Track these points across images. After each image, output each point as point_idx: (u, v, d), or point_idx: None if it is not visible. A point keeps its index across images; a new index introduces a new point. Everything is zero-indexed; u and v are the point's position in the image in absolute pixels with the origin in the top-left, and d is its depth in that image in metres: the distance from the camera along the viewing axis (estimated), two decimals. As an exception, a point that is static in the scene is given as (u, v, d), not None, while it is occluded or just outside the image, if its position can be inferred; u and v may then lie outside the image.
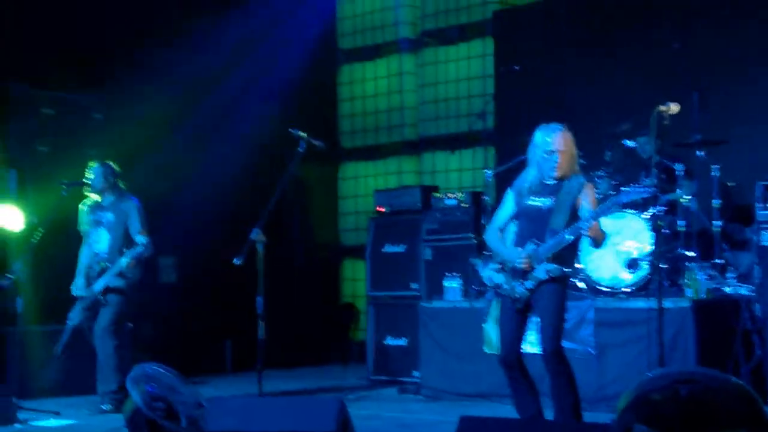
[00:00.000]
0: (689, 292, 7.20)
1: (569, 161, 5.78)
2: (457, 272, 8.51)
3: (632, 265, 7.52)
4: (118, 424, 6.39)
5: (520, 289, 5.70)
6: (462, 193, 9.11)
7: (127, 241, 7.89)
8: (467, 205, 8.96)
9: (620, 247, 7.54)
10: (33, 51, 9.23)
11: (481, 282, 6.42)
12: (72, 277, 8.08)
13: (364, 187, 11.96)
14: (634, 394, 4.39)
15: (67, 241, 8.28)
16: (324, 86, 12.17)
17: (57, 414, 7.56)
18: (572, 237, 5.63)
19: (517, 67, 9.61)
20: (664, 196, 7.45)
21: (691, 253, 7.54)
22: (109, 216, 8.03)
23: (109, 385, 7.80)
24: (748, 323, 7.09)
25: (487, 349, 7.66)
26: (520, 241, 5.79)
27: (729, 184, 8.00)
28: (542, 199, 5.77)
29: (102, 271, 7.86)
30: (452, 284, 8.46)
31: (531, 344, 6.00)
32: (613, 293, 7.58)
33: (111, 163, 8.11)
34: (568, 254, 5.73)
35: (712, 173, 7.63)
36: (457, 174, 11.19)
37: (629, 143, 8.14)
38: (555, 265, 5.65)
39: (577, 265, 7.00)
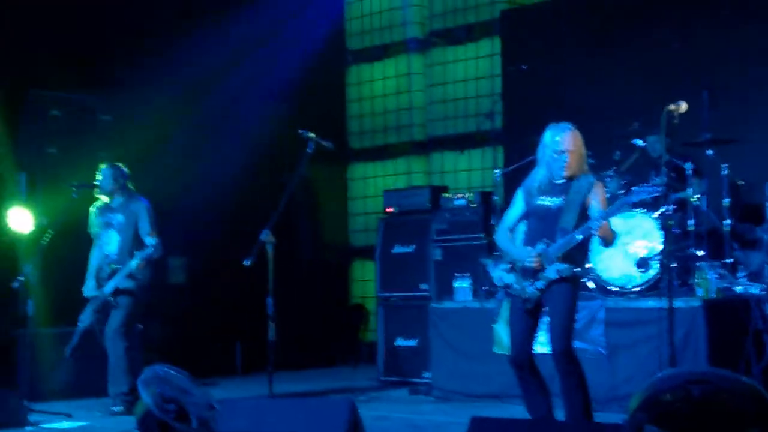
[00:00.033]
0: (700, 292, 7.17)
1: (578, 161, 5.78)
2: (467, 272, 8.50)
3: (642, 264, 7.50)
4: (129, 426, 6.39)
5: (531, 289, 5.69)
6: (471, 193, 9.10)
7: (137, 243, 7.90)
8: (476, 205, 8.95)
9: (630, 246, 7.52)
10: (34, 52, 9.23)
11: (491, 282, 6.41)
12: (82, 279, 8.10)
13: (373, 187, 11.95)
14: (645, 395, 4.38)
15: (77, 243, 8.29)
16: (332, 87, 12.17)
17: (68, 416, 7.56)
18: (582, 237, 5.62)
19: (525, 67, 9.60)
20: (673, 194, 7.44)
21: (701, 253, 7.52)
22: (118, 217, 8.04)
23: (120, 387, 7.81)
24: (759, 322, 7.07)
25: (497, 350, 7.65)
26: (530, 241, 5.79)
27: (739, 182, 7.97)
28: (552, 198, 5.76)
29: (112, 273, 7.87)
30: (462, 284, 8.46)
31: (541, 344, 5.99)
32: (624, 293, 7.56)
33: (120, 165, 8.12)
34: (578, 254, 5.72)
35: (722, 172, 7.61)
36: (466, 174, 11.17)
37: (639, 142, 8.12)
38: (566, 265, 5.64)
39: (587, 265, 6.99)
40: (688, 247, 7.59)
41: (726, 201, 7.59)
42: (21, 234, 8.25)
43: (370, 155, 12.14)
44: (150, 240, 7.78)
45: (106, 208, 8.13)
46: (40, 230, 8.09)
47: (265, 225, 6.90)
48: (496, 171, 8.95)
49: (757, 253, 7.65)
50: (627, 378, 7.08)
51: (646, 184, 6.09)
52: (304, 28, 11.33)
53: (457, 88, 11.30)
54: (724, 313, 7.13)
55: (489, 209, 8.84)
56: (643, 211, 7.54)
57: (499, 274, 5.87)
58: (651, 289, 7.45)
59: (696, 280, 7.26)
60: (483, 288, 8.23)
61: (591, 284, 7.66)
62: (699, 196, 7.71)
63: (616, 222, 5.98)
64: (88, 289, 8.04)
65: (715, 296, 7.17)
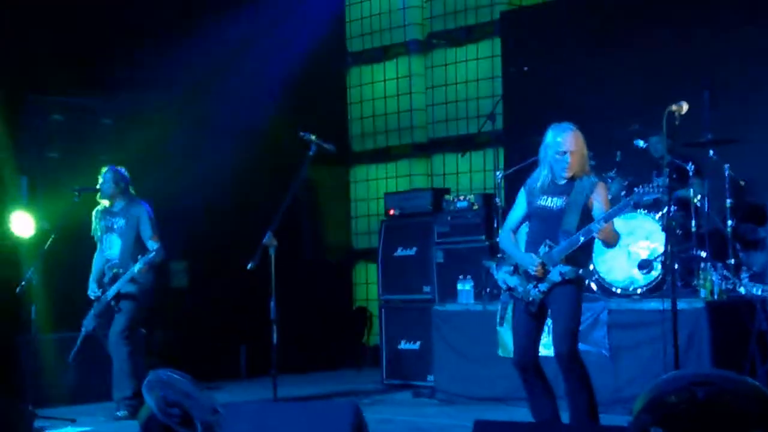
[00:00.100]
0: (703, 293, 7.17)
1: (580, 161, 5.77)
2: (469, 275, 8.48)
3: (644, 266, 7.49)
4: (133, 431, 6.39)
5: (534, 291, 5.68)
6: (473, 195, 9.09)
7: (139, 247, 7.90)
8: (478, 207, 8.93)
9: (633, 248, 7.51)
10: (34, 52, 9.22)
11: (495, 284, 6.39)
12: (85, 284, 8.08)
13: (375, 190, 11.94)
14: (649, 396, 4.38)
15: (79, 247, 8.29)
16: (333, 89, 12.16)
17: (73, 421, 7.57)
18: (585, 238, 5.61)
19: (526, 68, 9.59)
20: (675, 193, 7.42)
21: (704, 253, 7.51)
22: (120, 221, 8.04)
23: (124, 392, 7.81)
24: (763, 324, 7.05)
25: (501, 353, 7.64)
26: (533, 243, 5.78)
27: (741, 182, 7.96)
28: (554, 199, 5.75)
29: (114, 277, 7.86)
30: (465, 287, 8.44)
31: (545, 347, 5.98)
32: (627, 294, 7.55)
33: (121, 169, 8.12)
34: (582, 255, 5.71)
35: (725, 172, 7.60)
36: (468, 176, 11.16)
37: (641, 143, 8.11)
38: (569, 267, 5.63)
39: (590, 267, 6.98)
40: (691, 248, 7.58)
41: (728, 201, 7.57)
42: (23, 238, 8.25)
43: (372, 157, 12.12)
44: (152, 244, 7.79)
45: (107, 212, 8.12)
46: (41, 234, 8.09)
47: (267, 228, 6.89)
48: (497, 173, 8.95)
49: (760, 254, 7.64)
50: (630, 380, 7.08)
51: (648, 185, 6.09)
52: (304, 30, 11.31)
53: (458, 90, 11.29)
54: (728, 314, 7.12)
55: (491, 211, 8.83)
56: (645, 212, 7.53)
57: (503, 276, 5.86)
58: (654, 290, 7.44)
59: (699, 282, 7.25)
60: (486, 290, 8.21)
61: (594, 286, 7.65)
62: (700, 197, 7.70)
63: (619, 223, 5.97)
64: (93, 291, 8.02)
65: (718, 297, 7.16)
